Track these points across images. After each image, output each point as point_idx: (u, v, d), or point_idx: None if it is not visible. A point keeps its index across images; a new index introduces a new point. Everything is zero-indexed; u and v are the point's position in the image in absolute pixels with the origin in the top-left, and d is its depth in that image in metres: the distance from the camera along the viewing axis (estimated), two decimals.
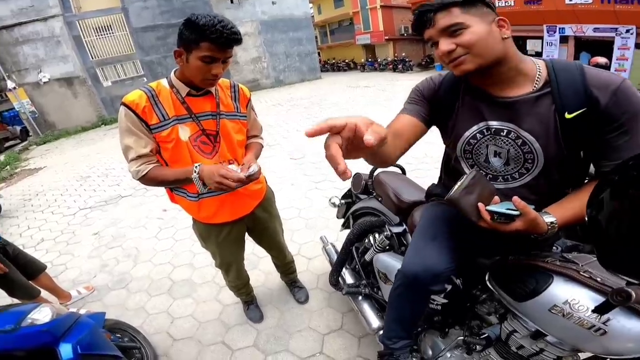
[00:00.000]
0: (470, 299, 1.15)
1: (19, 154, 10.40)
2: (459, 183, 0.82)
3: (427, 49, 21.91)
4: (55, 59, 12.82)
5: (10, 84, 11.96)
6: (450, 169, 1.12)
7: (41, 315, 1.23)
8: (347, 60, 24.98)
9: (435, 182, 1.29)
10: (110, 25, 13.53)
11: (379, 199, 1.58)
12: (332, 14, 26.20)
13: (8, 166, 8.26)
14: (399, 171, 1.71)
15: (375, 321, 1.50)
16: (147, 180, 1.22)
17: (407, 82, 13.09)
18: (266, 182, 1.64)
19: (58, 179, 6.20)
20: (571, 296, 0.76)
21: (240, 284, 1.89)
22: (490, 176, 0.95)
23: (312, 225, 3.03)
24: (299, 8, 17.94)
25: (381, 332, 1.36)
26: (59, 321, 1.27)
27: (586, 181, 0.93)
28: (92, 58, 13.50)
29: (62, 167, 7.32)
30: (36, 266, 2.28)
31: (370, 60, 22.17)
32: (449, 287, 1.15)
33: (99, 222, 3.91)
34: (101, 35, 13.45)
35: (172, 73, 1.23)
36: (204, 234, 1.54)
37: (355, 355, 1.74)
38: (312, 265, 2.46)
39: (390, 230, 1.46)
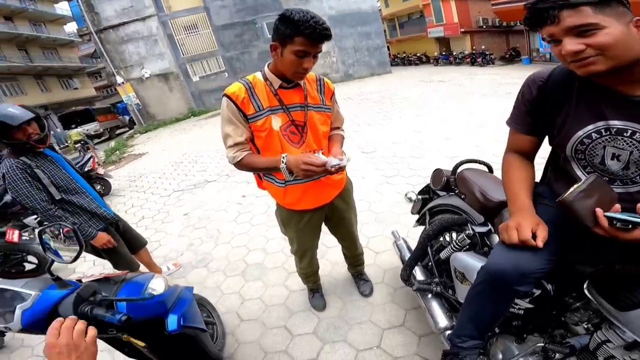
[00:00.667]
0: (560, 307, 1.08)
1: (126, 140, 12.28)
2: (575, 186, 0.78)
3: (511, 41, 19.83)
4: (154, 56, 14.63)
5: (119, 79, 13.98)
6: (558, 169, 1.05)
7: (157, 285, 1.29)
8: (418, 54, 23.92)
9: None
10: (195, 24, 14.95)
11: (462, 197, 1.52)
12: (400, 7, 25.39)
13: (117, 151, 9.75)
14: (485, 169, 1.61)
15: (443, 320, 1.47)
16: (242, 165, 1.33)
17: (488, 77, 12.02)
18: (346, 173, 1.69)
19: (157, 164, 7.14)
20: None
21: (310, 272, 1.97)
22: (606, 179, 0.88)
23: (382, 219, 3.01)
24: (366, 2, 17.64)
25: (447, 332, 1.34)
26: (169, 293, 1.34)
27: None
28: (183, 55, 15.12)
29: (160, 153, 8.43)
30: (139, 242, 2.42)
31: (444, 53, 20.89)
32: (537, 292, 1.09)
33: (189, 204, 4.40)
34: (189, 33, 14.96)
35: (266, 66, 1.32)
36: (286, 219, 1.64)
37: (413, 354, 1.70)
38: (380, 259, 2.46)
39: (473, 230, 1.40)
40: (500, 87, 8.98)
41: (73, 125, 14.90)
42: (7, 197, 4.01)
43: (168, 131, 12.51)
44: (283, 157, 1.23)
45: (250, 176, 5.07)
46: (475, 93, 8.69)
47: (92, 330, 0.77)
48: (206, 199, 4.48)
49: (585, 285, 0.94)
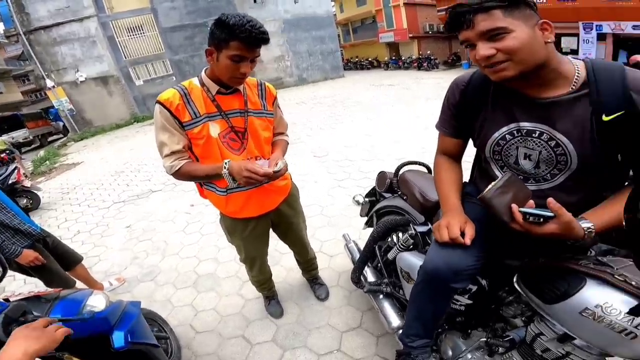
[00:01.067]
0: (496, 301, 1.13)
1: (58, 149, 11.08)
2: (493, 183, 0.82)
3: (453, 46, 21.36)
4: (92, 58, 13.53)
5: (49, 83, 12.70)
6: (482, 169, 1.12)
7: (97, 302, 1.24)
8: (370, 59, 24.76)
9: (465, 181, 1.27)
10: (141, 26, 14.11)
11: (404, 198, 1.56)
12: (354, 12, 26.06)
13: (47, 161, 8.80)
14: (425, 170, 1.68)
15: (395, 320, 1.50)
16: (180, 174, 1.28)
17: (433, 81, 12.81)
18: (291, 178, 1.68)
19: (94, 174, 6.55)
20: (604, 299, 0.74)
21: (262, 279, 1.94)
22: (521, 177, 0.94)
23: (335, 223, 3.04)
24: (321, 6, 17.94)
25: (401, 331, 1.36)
26: (112, 309, 1.29)
27: (626, 184, 0.89)
28: (125, 58, 14.14)
29: (98, 162, 7.73)
30: (73, 257, 2.32)
31: (394, 58, 21.88)
32: (474, 288, 1.14)
33: (131, 216, 4.11)
34: (133, 35, 14.07)
35: (203, 72, 1.28)
36: (230, 228, 1.59)
37: (373, 354, 1.74)
38: (334, 263, 2.48)
39: (415, 229, 1.44)
40: (443, 91, 9.10)
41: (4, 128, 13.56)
42: None
43: (107, 138, 11.59)
44: (225, 163, 1.19)
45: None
46: (421, 97, 9.23)
47: (62, 331, 0.84)
48: (151, 209, 4.22)
49: (514, 279, 0.99)
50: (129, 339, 1.22)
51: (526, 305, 1.03)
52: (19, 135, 13.90)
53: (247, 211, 1.48)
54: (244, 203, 1.44)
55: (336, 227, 2.94)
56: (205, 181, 1.42)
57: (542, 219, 0.77)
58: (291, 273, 2.41)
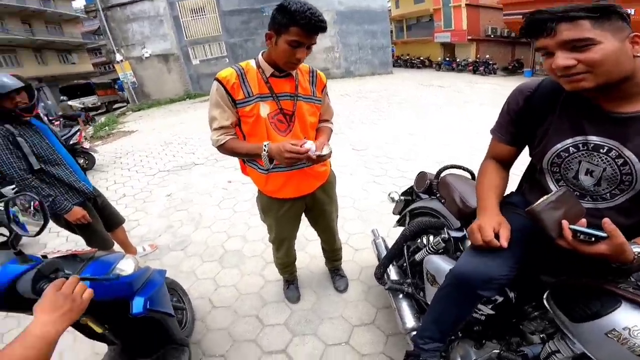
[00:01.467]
0: (519, 315, 1.11)
1: (117, 117, 12.08)
2: (545, 197, 0.80)
3: (516, 52, 19.94)
4: (157, 36, 14.50)
5: (118, 57, 13.92)
6: (533, 181, 1.06)
7: (127, 266, 1.26)
8: (422, 58, 23.85)
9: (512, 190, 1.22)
10: (203, 7, 14.76)
11: (442, 201, 1.52)
12: (410, 9, 25.23)
13: (107, 127, 9.62)
14: (468, 175, 1.62)
15: (410, 321, 1.49)
16: (224, 148, 1.35)
17: (488, 86, 12.08)
18: (331, 166, 1.68)
19: (145, 142, 7.04)
20: (634, 322, 0.73)
21: (287, 262, 1.97)
22: (577, 194, 0.89)
23: (365, 217, 3.00)
24: (376, 1, 17.50)
25: (413, 333, 1.36)
26: (139, 275, 1.31)
27: None
28: (186, 37, 14.94)
29: (150, 132, 8.30)
30: (117, 219, 2.41)
31: (447, 59, 20.88)
32: (500, 299, 1.11)
33: (173, 185, 4.35)
34: (195, 16, 14.79)
35: (260, 55, 1.33)
36: (266, 206, 1.64)
37: (380, 352, 1.72)
38: (358, 257, 2.45)
39: (448, 234, 1.41)
40: (499, 98, 9.01)
41: (64, 98, 15.33)
42: None
43: (161, 111, 12.38)
44: (265, 145, 1.24)
45: (237, 162, 5.03)
46: (474, 101, 8.73)
47: (88, 293, 0.85)
48: (191, 181, 4.43)
49: (545, 296, 0.96)
50: (148, 306, 1.25)
51: (549, 322, 1.01)
52: (90, 100, 15.71)
53: (285, 192, 1.52)
54: (283, 184, 1.49)
55: (366, 222, 2.90)
56: (247, 159, 1.48)
57: (593, 239, 0.75)
58: (314, 260, 2.43)
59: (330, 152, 1.30)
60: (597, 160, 0.83)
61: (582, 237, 0.75)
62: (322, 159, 1.25)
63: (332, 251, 2.08)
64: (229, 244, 2.82)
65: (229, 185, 4.08)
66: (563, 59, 0.74)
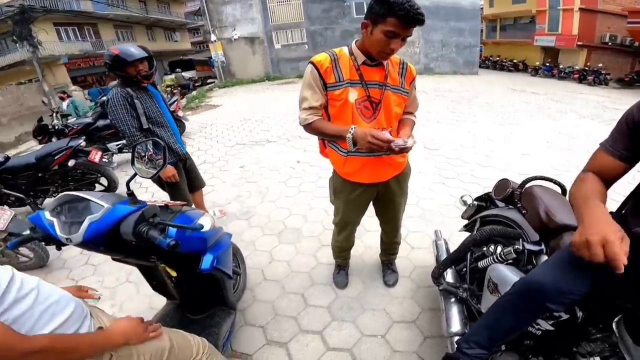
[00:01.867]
0: (579, 335, 1.02)
1: (206, 92, 13.31)
2: None
3: (637, 64, 16.85)
4: (246, 20, 15.43)
5: (213, 37, 15.17)
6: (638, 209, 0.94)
7: (206, 222, 1.31)
8: (515, 60, 21.54)
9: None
10: None
11: (523, 212, 1.44)
12: (507, 9, 22.81)
13: (197, 100, 10.73)
14: (558, 189, 1.50)
15: (456, 326, 1.45)
16: (311, 128, 1.41)
17: (595, 97, 10.46)
18: (408, 159, 1.68)
19: (227, 116, 7.67)
20: None
21: (345, 246, 2.00)
22: None
23: (429, 217, 2.91)
24: None
25: (456, 337, 1.33)
26: (213, 233, 1.38)
27: None
28: (271, 22, 15.69)
29: (233, 108, 9.02)
30: (199, 182, 2.60)
31: (547, 64, 18.51)
32: (564, 316, 1.01)
33: (247, 159, 4.68)
34: (281, 2, 15.44)
35: (354, 42, 1.37)
36: (339, 188, 1.68)
37: (413, 351, 1.69)
38: (413, 255, 2.41)
39: (524, 246, 1.33)
40: (605, 112, 7.76)
41: (178, 70, 17.33)
42: (100, 123, 4.68)
43: (243, 90, 13.25)
44: (351, 129, 1.28)
45: (307, 144, 5.18)
46: (572, 112, 7.64)
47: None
48: (264, 157, 4.71)
49: (616, 319, 0.89)
50: (215, 264, 1.32)
51: (609, 346, 0.93)
52: (190, 74, 17.33)
53: (360, 176, 1.55)
54: (360, 167, 1.52)
55: (428, 222, 2.82)
56: (330, 140, 1.54)
57: None
58: (368, 251, 2.44)
59: (414, 143, 1.29)
60: None
61: None
62: (404, 150, 1.25)
63: (390, 244, 2.07)
64: (290, 221, 2.93)
65: (297, 165, 4.26)
66: None
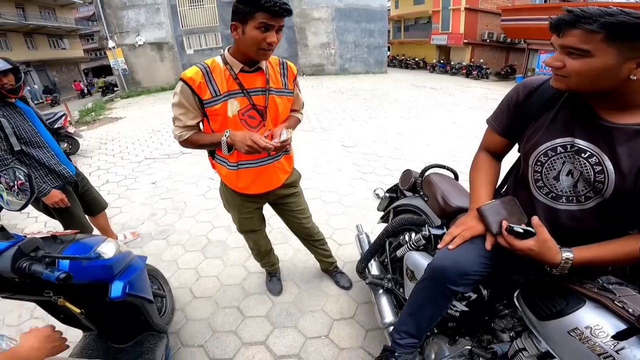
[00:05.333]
0: (491, 312, 1.14)
1: (105, 103, 11.81)
2: (493, 200, 0.94)
3: (510, 58, 20.24)
4: (152, 24, 14.26)
5: (110, 44, 13.68)
6: (517, 181, 1.07)
7: (107, 249, 1.25)
8: (417, 59, 23.98)
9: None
10: None
11: (425, 199, 1.54)
12: (409, 10, 25.16)
13: (93, 112, 9.44)
14: (452, 175, 1.64)
15: (389, 316, 1.51)
16: (188, 142, 1.36)
17: (480, 90, 12.23)
18: (293, 163, 1.69)
19: (133, 129, 6.92)
20: (596, 322, 0.76)
21: (258, 252, 1.93)
22: (553, 195, 0.92)
23: (350, 213, 3.01)
24: (376, 0, 17.52)
25: (391, 327, 1.38)
26: (119, 259, 1.30)
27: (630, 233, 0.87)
28: (182, 27, 14.76)
29: (139, 119, 8.16)
30: (99, 204, 2.37)
31: (442, 62, 21.05)
32: (473, 296, 1.14)
33: (159, 173, 4.28)
34: (193, 6, 14.65)
35: (226, 51, 1.30)
36: (229, 199, 1.63)
37: (358, 346, 1.74)
38: (341, 252, 2.46)
39: (429, 231, 1.42)
40: (488, 102, 9.18)
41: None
42: None
43: (151, 99, 12.21)
44: (226, 132, 1.25)
45: None
46: (463, 104, 8.85)
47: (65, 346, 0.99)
48: (177, 170, 4.38)
49: (515, 294, 0.98)
50: (127, 291, 1.24)
51: (518, 321, 1.04)
52: (111, 79, 17.74)
53: (255, 187, 1.51)
54: (253, 179, 1.48)
55: (351, 218, 2.91)
56: (212, 150, 1.47)
57: (524, 233, 0.85)
58: (298, 254, 2.43)
59: (290, 135, 1.30)
60: (578, 164, 0.85)
61: (516, 232, 0.86)
62: (285, 143, 1.25)
63: (314, 243, 2.03)
64: (213, 234, 2.79)
65: (216, 175, 4.01)
66: (555, 58, 0.80)
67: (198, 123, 1.34)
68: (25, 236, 1.06)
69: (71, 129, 5.18)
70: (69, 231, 1.31)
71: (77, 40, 27.21)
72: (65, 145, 5.06)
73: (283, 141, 1.24)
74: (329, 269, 2.20)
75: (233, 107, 1.30)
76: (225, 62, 1.28)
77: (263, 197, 1.61)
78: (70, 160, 2.17)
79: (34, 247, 1.01)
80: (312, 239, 2.00)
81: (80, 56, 27.30)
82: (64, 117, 5.07)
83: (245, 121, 1.34)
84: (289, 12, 1.15)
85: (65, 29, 24.16)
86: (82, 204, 2.17)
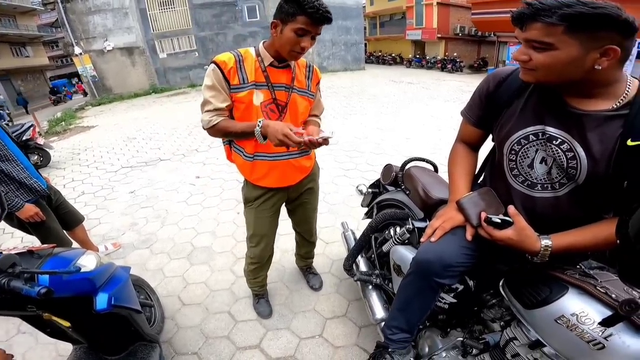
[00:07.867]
0: (479, 303, 1.15)
1: (75, 112, 11.32)
2: (470, 193, 0.95)
3: (482, 51, 20.83)
4: (121, 29, 13.78)
5: (77, 50, 13.13)
6: (493, 170, 1.09)
7: (88, 262, 1.22)
8: (393, 55, 24.34)
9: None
10: (172, 0, 14.23)
11: (407, 193, 1.55)
12: (384, 6, 25.55)
13: (63, 122, 9.04)
14: (432, 168, 1.66)
15: (380, 312, 1.51)
16: (216, 129, 1.33)
17: (455, 83, 12.52)
18: (315, 158, 1.69)
19: (106, 138, 6.65)
20: (581, 309, 0.76)
21: (261, 264, 1.82)
22: (529, 182, 0.93)
23: (335, 210, 3.02)
24: None
25: (383, 323, 1.38)
26: (101, 271, 1.28)
27: (605, 217, 0.89)
28: (153, 30, 14.34)
29: (112, 127, 7.85)
30: (75, 217, 2.31)
31: (418, 56, 21.44)
32: (460, 287, 1.15)
33: (137, 182, 4.15)
34: (164, 9, 14.26)
35: (261, 43, 1.34)
36: (249, 195, 1.59)
37: (353, 344, 1.74)
38: (329, 250, 2.47)
39: (413, 224, 1.43)
40: (463, 95, 9.41)
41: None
42: None
43: (124, 106, 11.79)
44: (259, 122, 1.23)
45: (206, 157, 4.87)
46: (439, 98, 9.05)
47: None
48: (157, 177, 4.26)
49: (500, 283, 0.99)
50: (112, 302, 1.23)
51: (506, 310, 1.04)
52: None
53: (268, 180, 1.51)
54: (267, 172, 1.48)
55: (336, 215, 2.92)
56: (238, 139, 1.45)
57: (502, 223, 0.87)
58: (286, 255, 2.41)
59: (333, 133, 1.27)
60: (550, 151, 0.86)
61: (494, 223, 0.88)
62: (321, 143, 1.21)
63: (307, 244, 2.04)
64: (198, 241, 2.74)
65: (197, 180, 3.96)
66: (521, 52, 0.80)
67: (228, 107, 1.33)
68: (0, 252, 1.04)
69: (41, 140, 4.93)
70: (45, 245, 1.28)
71: (40, 47, 25.97)
72: (36, 157, 4.83)
73: (325, 138, 1.20)
74: (304, 267, 2.22)
75: (258, 97, 1.32)
76: (257, 54, 1.32)
77: (281, 192, 1.59)
78: (40, 175, 2.07)
79: (10, 263, 1.00)
80: (311, 239, 2.01)
81: (45, 64, 26.10)
82: (32, 128, 4.81)
83: (266, 113, 1.36)
84: (329, 21, 1.18)
85: (27, 36, 23.07)
86: (57, 218, 2.10)
